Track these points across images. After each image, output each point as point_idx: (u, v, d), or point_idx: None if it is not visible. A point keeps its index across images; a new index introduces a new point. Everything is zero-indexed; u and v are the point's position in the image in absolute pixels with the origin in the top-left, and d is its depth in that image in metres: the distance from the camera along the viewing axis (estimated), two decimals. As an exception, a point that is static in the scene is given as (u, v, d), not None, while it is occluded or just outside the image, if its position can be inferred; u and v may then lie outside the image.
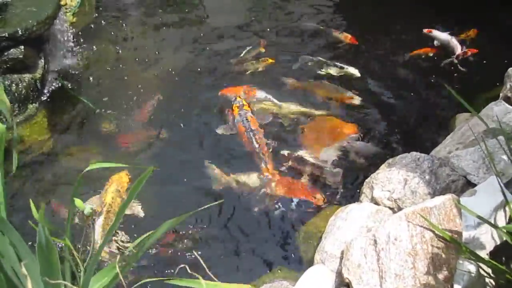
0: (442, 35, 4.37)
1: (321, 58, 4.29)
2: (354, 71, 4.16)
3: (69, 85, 4.13)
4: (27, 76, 3.88)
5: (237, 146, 3.58)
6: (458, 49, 4.18)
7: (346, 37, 4.60)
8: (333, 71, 4.19)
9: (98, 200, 3.09)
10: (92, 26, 4.81)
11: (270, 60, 4.36)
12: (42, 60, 4.07)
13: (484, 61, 4.16)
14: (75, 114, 3.90)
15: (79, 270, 1.86)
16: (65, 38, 4.31)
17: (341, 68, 4.19)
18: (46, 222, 1.68)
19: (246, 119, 3.63)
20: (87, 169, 1.88)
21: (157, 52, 4.56)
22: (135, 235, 2.77)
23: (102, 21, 4.89)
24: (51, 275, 1.70)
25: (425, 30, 4.46)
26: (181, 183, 3.34)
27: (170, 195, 3.26)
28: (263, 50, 4.49)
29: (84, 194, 3.10)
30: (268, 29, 4.91)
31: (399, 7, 4.94)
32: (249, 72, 4.30)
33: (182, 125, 3.80)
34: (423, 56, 4.33)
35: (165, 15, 5.11)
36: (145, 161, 3.46)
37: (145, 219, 3.02)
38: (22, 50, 3.79)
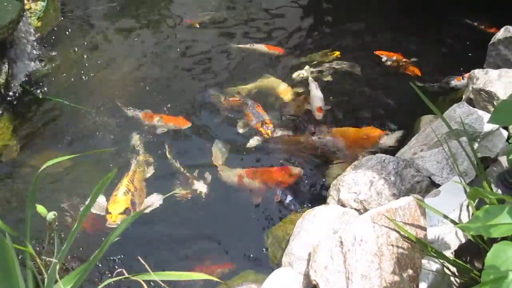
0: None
1: None
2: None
3: (34, 90, 4.07)
4: (-10, 82, 3.81)
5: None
6: None
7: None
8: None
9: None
10: (58, 30, 4.76)
11: (336, 53, 4.36)
12: (6, 65, 4.00)
13: (448, 64, 4.22)
14: (40, 119, 3.85)
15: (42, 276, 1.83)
16: (30, 43, 4.24)
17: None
18: (3, 224, 1.65)
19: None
20: (43, 166, 1.86)
21: (123, 56, 4.52)
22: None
23: (68, 25, 4.84)
24: (10, 280, 1.66)
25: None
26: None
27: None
28: None
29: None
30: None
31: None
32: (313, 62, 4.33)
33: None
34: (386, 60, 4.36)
35: (131, 18, 5.07)
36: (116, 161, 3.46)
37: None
38: (-15, 55, 3.74)
